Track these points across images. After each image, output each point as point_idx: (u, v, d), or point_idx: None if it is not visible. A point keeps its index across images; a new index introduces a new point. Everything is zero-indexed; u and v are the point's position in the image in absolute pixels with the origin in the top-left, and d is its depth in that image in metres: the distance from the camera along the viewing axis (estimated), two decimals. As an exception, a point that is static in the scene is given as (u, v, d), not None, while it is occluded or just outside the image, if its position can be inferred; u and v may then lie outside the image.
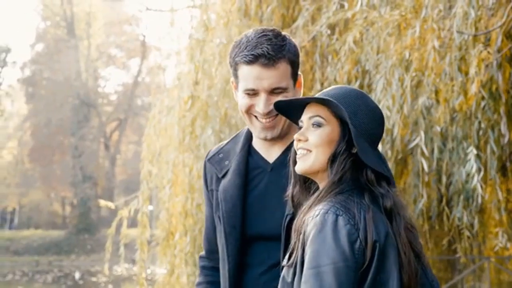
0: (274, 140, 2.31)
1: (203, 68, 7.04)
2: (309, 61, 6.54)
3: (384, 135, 5.39)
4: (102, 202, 8.25)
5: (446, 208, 6.23)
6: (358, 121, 1.97)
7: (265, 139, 2.29)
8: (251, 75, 2.21)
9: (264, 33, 2.23)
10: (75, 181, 39.73)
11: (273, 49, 2.19)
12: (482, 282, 9.38)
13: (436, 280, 2.09)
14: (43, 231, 41.32)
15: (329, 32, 6.39)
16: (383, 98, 5.23)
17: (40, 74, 42.72)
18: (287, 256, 1.95)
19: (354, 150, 1.97)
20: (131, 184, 36.75)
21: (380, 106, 5.15)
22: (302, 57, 6.32)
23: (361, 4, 5.65)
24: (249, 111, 2.27)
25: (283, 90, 2.23)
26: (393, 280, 1.87)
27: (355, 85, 5.86)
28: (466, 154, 5.33)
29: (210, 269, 2.52)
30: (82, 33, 42.63)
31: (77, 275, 27.93)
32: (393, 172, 5.98)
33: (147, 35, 52.80)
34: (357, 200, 1.89)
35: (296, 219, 1.97)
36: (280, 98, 2.21)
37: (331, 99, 1.97)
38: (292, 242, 1.95)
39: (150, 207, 7.64)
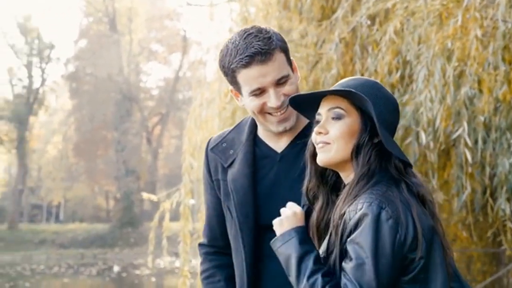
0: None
1: (242, 61, 7.05)
2: (349, 53, 6.49)
3: (426, 126, 5.34)
4: (145, 195, 8.31)
5: (490, 200, 6.11)
6: (377, 111, 1.95)
7: (285, 131, 2.29)
8: (253, 75, 2.21)
9: (248, 33, 2.23)
10: (118, 175, 40.24)
11: (264, 44, 2.19)
12: (528, 275, 9.22)
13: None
14: (88, 224, 42.04)
15: (369, 22, 6.33)
16: (425, 89, 5.16)
17: (83, 70, 43.33)
18: (325, 247, 1.97)
19: (376, 140, 1.96)
20: (173, 178, 37.09)
21: (422, 97, 5.10)
22: (341, 48, 6.28)
23: (402, -6, 5.60)
24: (262, 110, 2.27)
25: (286, 78, 2.24)
26: (436, 270, 1.88)
27: (396, 76, 5.81)
28: (509, 145, 5.24)
29: (213, 254, 2.53)
30: (123, 29, 43.09)
31: (116, 268, 28.28)
32: (436, 164, 5.91)
33: (188, 30, 52.94)
34: (397, 192, 1.89)
35: (333, 211, 1.97)
36: (286, 86, 2.24)
37: (353, 90, 1.95)
38: (331, 234, 1.96)
39: (192, 201, 7.66)
